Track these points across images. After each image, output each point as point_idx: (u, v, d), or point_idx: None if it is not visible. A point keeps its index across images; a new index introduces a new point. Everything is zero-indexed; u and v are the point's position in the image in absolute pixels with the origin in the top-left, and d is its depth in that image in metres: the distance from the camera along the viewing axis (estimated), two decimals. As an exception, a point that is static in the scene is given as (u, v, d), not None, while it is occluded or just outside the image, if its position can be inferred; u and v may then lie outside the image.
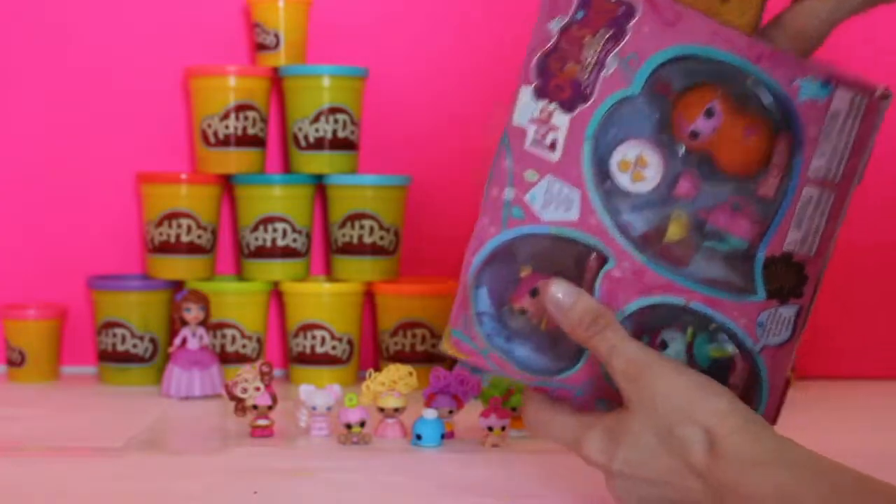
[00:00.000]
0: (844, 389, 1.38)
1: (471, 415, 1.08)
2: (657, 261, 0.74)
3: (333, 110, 1.41)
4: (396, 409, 1.07)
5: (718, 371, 0.75)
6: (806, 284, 0.74)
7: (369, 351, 1.47)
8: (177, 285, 1.41)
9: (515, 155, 0.74)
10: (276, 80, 1.45)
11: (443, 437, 1.05)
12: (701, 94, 0.73)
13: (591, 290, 0.74)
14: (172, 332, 1.38)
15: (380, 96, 1.47)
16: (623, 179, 0.74)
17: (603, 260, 0.74)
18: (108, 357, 1.39)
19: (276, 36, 1.43)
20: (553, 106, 0.74)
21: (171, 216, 1.40)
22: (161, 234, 1.41)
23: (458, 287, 0.77)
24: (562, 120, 0.74)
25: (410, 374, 1.07)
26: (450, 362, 1.38)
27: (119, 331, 1.38)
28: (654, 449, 0.71)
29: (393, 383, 1.07)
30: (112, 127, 1.47)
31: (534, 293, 0.76)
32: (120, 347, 1.39)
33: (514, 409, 1.07)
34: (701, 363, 0.75)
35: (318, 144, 1.41)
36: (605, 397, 0.75)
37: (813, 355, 1.42)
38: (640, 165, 0.74)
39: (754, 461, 0.67)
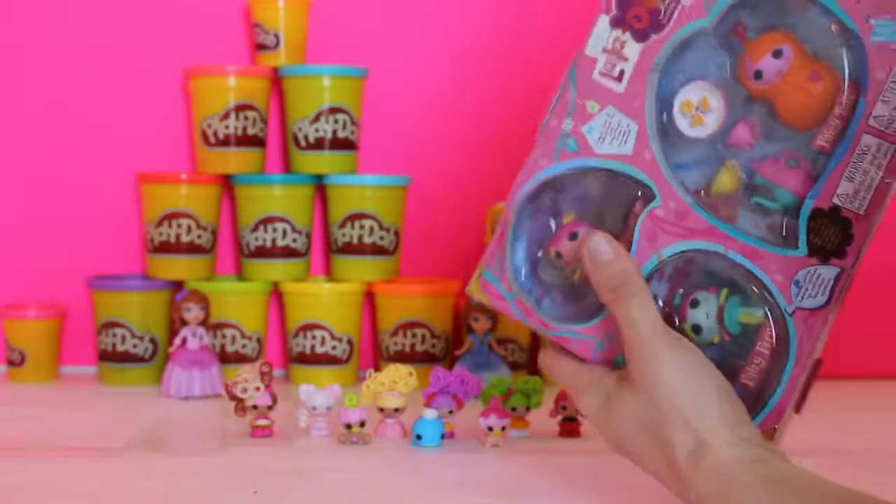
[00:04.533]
0: (845, 389, 1.38)
1: (471, 415, 1.08)
2: (703, 205, 0.73)
3: (333, 110, 1.41)
4: (396, 409, 1.07)
5: (746, 337, 0.73)
6: (850, 245, 0.71)
7: (369, 351, 1.47)
8: (177, 285, 1.41)
9: (580, 85, 0.74)
10: (276, 80, 1.45)
11: (443, 437, 1.05)
12: (773, 37, 0.72)
13: (633, 231, 0.73)
14: (172, 332, 1.38)
15: (380, 96, 1.47)
16: (683, 122, 0.74)
17: (648, 200, 0.73)
18: (108, 357, 1.39)
19: (276, 36, 1.43)
20: (627, 35, 0.73)
21: (171, 216, 1.40)
22: (161, 234, 1.40)
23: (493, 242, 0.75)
24: (633, 50, 0.73)
25: (410, 374, 1.07)
26: (450, 362, 1.38)
27: (119, 331, 1.38)
28: (640, 431, 0.71)
29: (393, 383, 1.07)
30: (112, 127, 1.47)
31: (573, 237, 0.75)
32: (120, 347, 1.39)
33: (514, 409, 1.07)
34: (731, 327, 0.73)
35: (318, 144, 1.41)
36: (624, 353, 0.74)
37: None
38: (702, 109, 0.73)
39: (737, 480, 0.66)
